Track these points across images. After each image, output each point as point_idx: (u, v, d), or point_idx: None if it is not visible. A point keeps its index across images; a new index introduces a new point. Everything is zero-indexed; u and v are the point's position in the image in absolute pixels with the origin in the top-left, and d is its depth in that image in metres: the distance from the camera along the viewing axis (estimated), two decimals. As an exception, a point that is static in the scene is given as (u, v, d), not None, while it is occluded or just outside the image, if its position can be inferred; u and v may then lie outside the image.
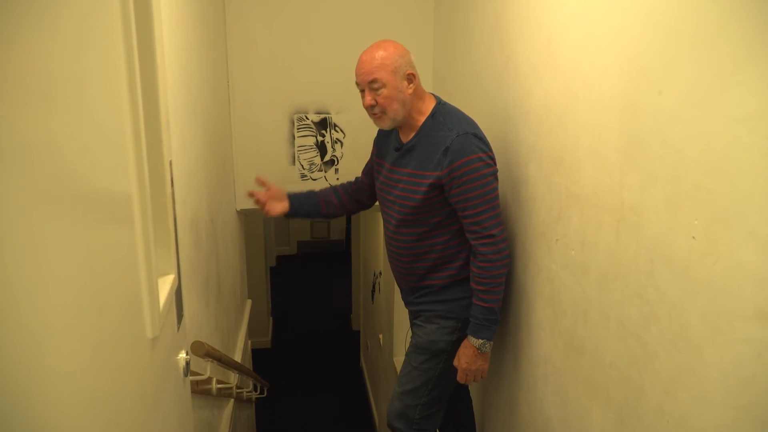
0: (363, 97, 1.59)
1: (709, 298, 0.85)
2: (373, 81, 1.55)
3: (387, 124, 1.61)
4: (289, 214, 1.87)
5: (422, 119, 1.59)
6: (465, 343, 1.61)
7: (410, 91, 1.57)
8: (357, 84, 1.60)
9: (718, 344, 0.83)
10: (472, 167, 1.50)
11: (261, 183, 1.86)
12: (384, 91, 1.55)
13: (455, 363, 1.64)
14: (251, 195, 1.85)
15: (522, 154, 1.56)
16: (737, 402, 0.81)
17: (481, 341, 1.57)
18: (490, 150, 1.55)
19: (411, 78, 1.56)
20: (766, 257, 0.75)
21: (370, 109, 1.59)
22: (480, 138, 1.54)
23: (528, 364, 1.56)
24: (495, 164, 1.55)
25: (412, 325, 1.80)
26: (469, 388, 2.03)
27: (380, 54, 1.54)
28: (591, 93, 1.16)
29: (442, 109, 1.60)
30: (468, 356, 1.60)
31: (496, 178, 1.55)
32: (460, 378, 1.64)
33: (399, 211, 1.64)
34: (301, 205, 1.88)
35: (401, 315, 2.99)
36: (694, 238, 0.87)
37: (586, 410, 1.22)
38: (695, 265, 0.87)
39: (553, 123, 1.35)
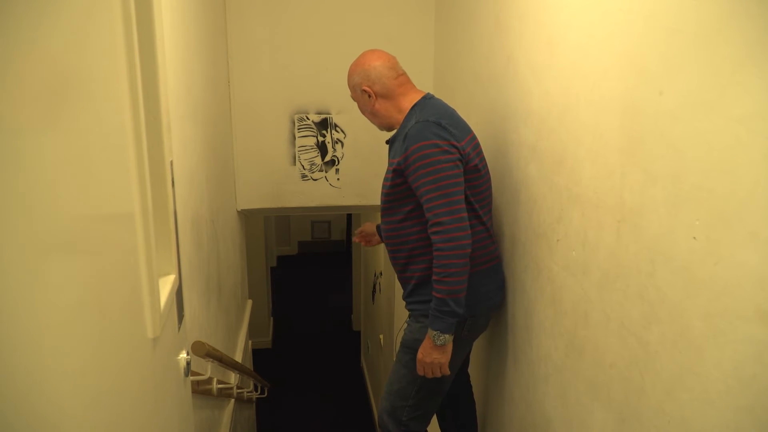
0: None
1: (710, 298, 0.84)
2: (351, 97, 1.73)
3: (379, 128, 1.76)
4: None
5: (405, 114, 1.64)
6: (427, 334, 1.59)
7: (373, 104, 1.66)
8: None
9: (719, 345, 0.83)
10: (424, 153, 1.48)
11: (359, 233, 2.09)
12: (357, 104, 1.73)
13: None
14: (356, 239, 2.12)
15: (522, 154, 1.56)
16: (738, 402, 0.81)
17: (435, 332, 1.54)
18: (456, 139, 1.51)
19: (368, 93, 1.65)
20: (767, 258, 0.75)
21: None
22: (443, 126, 1.50)
23: (529, 364, 1.56)
24: (459, 152, 1.51)
25: (406, 323, 1.80)
26: (472, 385, 2.03)
27: (348, 72, 1.69)
28: (592, 93, 1.16)
29: (422, 103, 1.61)
30: (424, 347, 1.58)
31: (458, 167, 1.50)
32: (418, 369, 1.62)
33: (382, 200, 1.69)
34: None
35: (402, 315, 2.99)
36: (694, 238, 0.87)
37: (587, 411, 1.22)
38: (696, 266, 0.87)
39: (554, 123, 1.35)
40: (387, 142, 1.73)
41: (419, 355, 1.60)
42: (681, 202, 0.90)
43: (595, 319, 1.18)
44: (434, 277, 1.53)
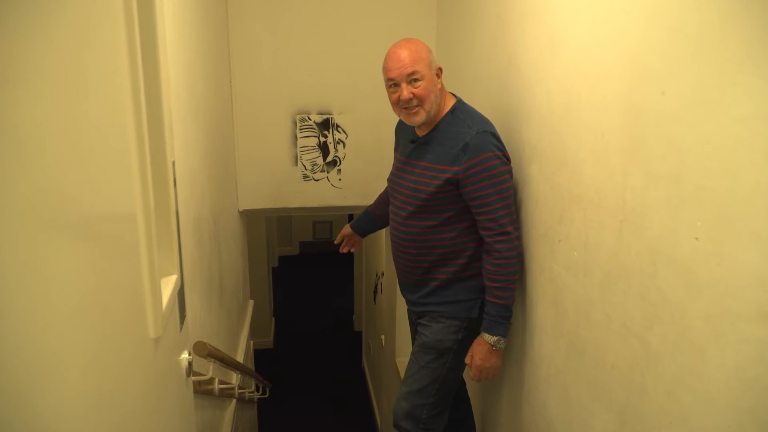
0: (396, 92, 1.56)
1: (711, 299, 0.84)
2: (413, 73, 1.52)
3: (422, 118, 1.58)
4: (364, 237, 2.15)
5: (441, 115, 1.61)
6: (479, 340, 1.61)
7: (440, 85, 1.60)
8: (389, 79, 1.56)
9: (721, 345, 0.83)
10: (489, 164, 1.51)
11: (345, 243, 2.14)
12: (422, 84, 1.53)
13: (467, 360, 1.64)
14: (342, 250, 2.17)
15: (524, 154, 1.56)
16: (740, 403, 0.81)
17: (496, 338, 1.58)
18: (506, 150, 1.57)
19: (440, 72, 1.60)
20: (769, 258, 0.75)
21: (406, 103, 1.55)
22: (497, 138, 1.55)
23: (530, 365, 1.56)
24: (510, 163, 1.57)
25: (417, 325, 1.80)
26: (468, 389, 2.03)
27: (415, 47, 1.54)
28: (594, 93, 1.15)
29: (462, 107, 1.61)
30: (483, 353, 1.60)
31: (512, 177, 1.57)
32: (474, 375, 1.63)
33: (411, 203, 1.65)
34: (364, 227, 2.10)
35: (403, 316, 2.98)
36: (697, 239, 0.86)
37: (589, 412, 1.22)
38: (698, 266, 0.86)
39: (556, 123, 1.34)
40: (414, 141, 1.66)
41: (477, 361, 1.61)
42: (683, 202, 0.89)
43: (597, 320, 1.17)
44: (496, 284, 1.56)
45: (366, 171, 2.81)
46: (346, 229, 2.12)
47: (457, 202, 1.58)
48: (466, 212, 1.59)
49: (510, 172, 1.56)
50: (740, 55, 0.78)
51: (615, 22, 1.07)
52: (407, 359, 1.85)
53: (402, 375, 2.65)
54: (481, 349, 1.60)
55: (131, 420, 0.73)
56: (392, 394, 3.23)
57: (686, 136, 0.88)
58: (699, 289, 0.87)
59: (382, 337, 3.83)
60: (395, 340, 3.22)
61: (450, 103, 1.62)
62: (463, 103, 1.63)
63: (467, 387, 2.02)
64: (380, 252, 3.84)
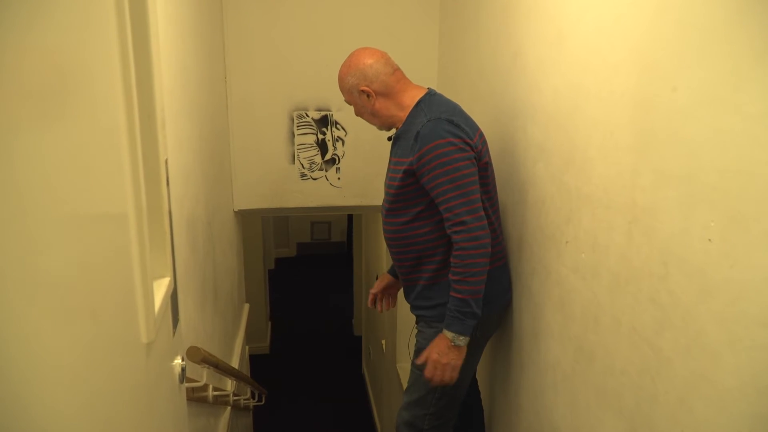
0: None
1: (725, 302, 0.83)
2: (345, 101, 1.68)
3: (378, 127, 1.70)
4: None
5: (407, 111, 1.60)
6: (441, 334, 1.56)
7: (373, 103, 1.61)
8: None
9: (735, 351, 0.82)
10: (440, 152, 1.47)
11: (373, 299, 1.96)
12: (354, 108, 1.67)
13: (425, 353, 1.59)
14: (373, 305, 1.96)
15: (530, 153, 1.53)
16: (755, 411, 0.80)
17: (453, 334, 1.52)
18: (468, 136, 1.50)
19: (367, 93, 1.59)
20: (788, 260, 0.73)
21: None
22: (456, 124, 1.49)
23: (536, 371, 1.54)
24: (472, 150, 1.50)
25: (416, 329, 1.78)
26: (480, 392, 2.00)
27: (341, 73, 1.63)
28: (602, 89, 1.14)
29: (428, 99, 1.59)
30: (440, 347, 1.55)
31: (473, 164, 1.49)
32: (428, 371, 1.58)
33: (386, 200, 1.66)
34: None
35: (404, 320, 2.97)
36: (709, 240, 0.85)
37: (597, 419, 1.20)
38: (711, 269, 0.85)
39: (563, 121, 1.33)
40: (389, 138, 1.69)
41: (434, 355, 1.56)
42: (695, 202, 0.88)
43: (606, 324, 1.15)
44: (454, 278, 1.51)
45: (366, 170, 2.79)
46: (386, 278, 1.92)
47: (423, 195, 1.56)
48: (436, 206, 1.56)
49: (470, 158, 1.48)
50: (754, 50, 0.77)
51: (624, 15, 1.06)
52: (409, 365, 1.82)
53: (403, 381, 2.63)
54: (439, 343, 1.55)
55: (122, 427, 0.72)
56: (393, 402, 3.22)
57: (698, 134, 0.87)
58: (712, 292, 0.85)
59: (383, 342, 3.81)
60: (396, 345, 3.20)
61: (418, 96, 1.60)
62: (433, 96, 1.60)
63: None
64: (381, 253, 3.82)
